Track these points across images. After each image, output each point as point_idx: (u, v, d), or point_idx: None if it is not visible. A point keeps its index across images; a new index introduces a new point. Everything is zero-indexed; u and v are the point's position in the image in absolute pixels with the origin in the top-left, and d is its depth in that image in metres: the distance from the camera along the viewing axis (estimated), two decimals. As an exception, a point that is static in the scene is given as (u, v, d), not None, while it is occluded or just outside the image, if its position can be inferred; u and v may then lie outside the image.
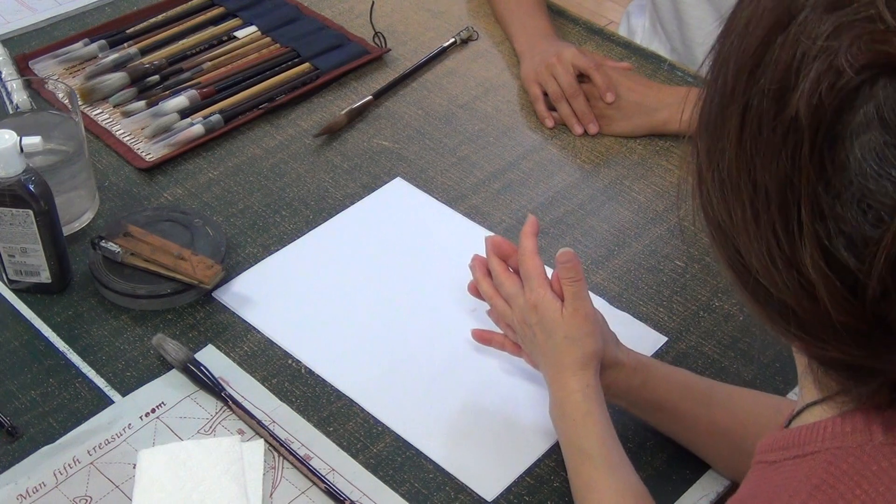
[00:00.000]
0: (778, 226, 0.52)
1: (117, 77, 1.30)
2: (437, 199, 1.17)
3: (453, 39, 1.42)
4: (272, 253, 1.10)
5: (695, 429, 0.90)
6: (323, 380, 0.98)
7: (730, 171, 0.54)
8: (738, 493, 0.64)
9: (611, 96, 1.25)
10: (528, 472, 0.91)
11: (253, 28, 1.41)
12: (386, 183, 1.19)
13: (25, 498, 0.86)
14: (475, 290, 0.96)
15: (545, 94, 1.29)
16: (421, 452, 0.92)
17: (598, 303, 1.06)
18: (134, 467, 0.89)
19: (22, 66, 1.32)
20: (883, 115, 0.48)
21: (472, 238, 1.13)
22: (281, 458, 0.90)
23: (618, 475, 0.82)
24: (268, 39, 1.39)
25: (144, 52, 1.35)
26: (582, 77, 1.27)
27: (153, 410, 0.94)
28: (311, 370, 0.98)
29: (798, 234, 0.51)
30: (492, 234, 1.13)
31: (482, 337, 0.97)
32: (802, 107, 0.50)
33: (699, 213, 0.59)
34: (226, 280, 1.06)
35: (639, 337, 1.02)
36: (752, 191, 0.53)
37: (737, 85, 0.54)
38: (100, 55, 1.35)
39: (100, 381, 0.96)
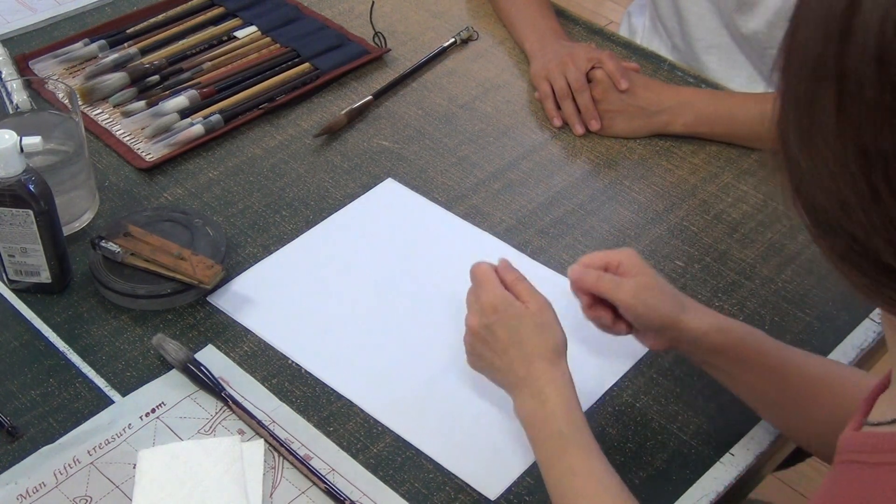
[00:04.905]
0: None
1: (117, 77, 1.30)
2: (430, 199, 1.17)
3: (453, 39, 1.41)
4: (272, 253, 1.10)
5: (763, 397, 0.88)
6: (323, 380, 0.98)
7: (834, 149, 0.52)
8: (821, 490, 0.62)
9: (624, 83, 1.24)
10: (529, 471, 0.91)
11: (253, 28, 1.41)
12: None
13: (25, 498, 0.86)
14: None
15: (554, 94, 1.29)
16: (421, 452, 0.92)
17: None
18: (134, 467, 0.89)
19: (22, 66, 1.32)
20: None
21: (468, 237, 1.13)
22: (281, 458, 0.90)
23: (601, 460, 0.80)
24: (268, 39, 1.39)
25: (144, 52, 1.35)
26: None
27: (153, 410, 0.94)
28: (310, 371, 0.98)
29: None
30: (492, 237, 1.13)
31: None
32: None
33: (801, 212, 0.56)
34: (226, 280, 1.06)
35: (639, 337, 1.02)
36: (863, 160, 0.51)
37: (826, 54, 0.51)
38: (100, 55, 1.35)
39: (100, 381, 0.96)
